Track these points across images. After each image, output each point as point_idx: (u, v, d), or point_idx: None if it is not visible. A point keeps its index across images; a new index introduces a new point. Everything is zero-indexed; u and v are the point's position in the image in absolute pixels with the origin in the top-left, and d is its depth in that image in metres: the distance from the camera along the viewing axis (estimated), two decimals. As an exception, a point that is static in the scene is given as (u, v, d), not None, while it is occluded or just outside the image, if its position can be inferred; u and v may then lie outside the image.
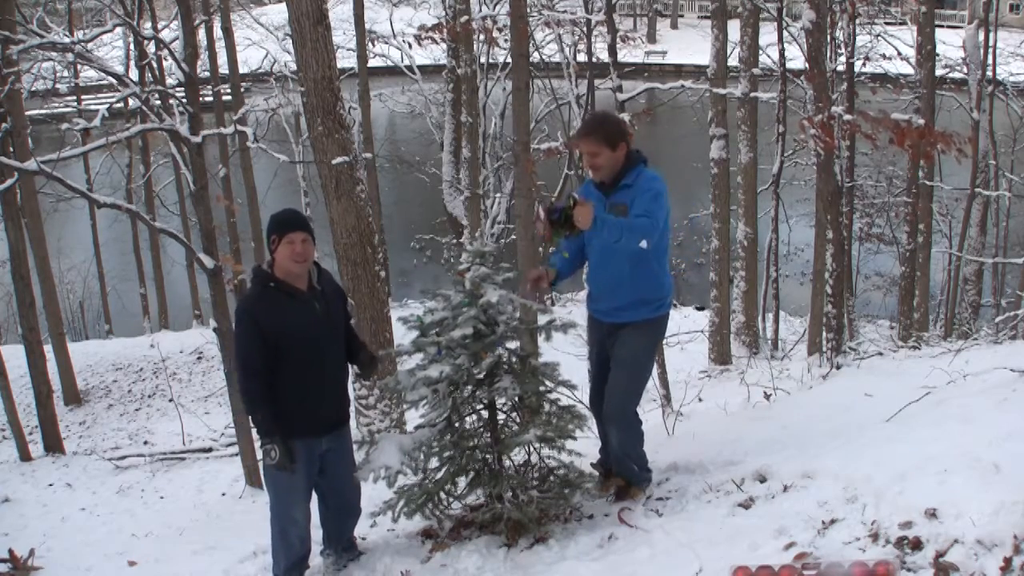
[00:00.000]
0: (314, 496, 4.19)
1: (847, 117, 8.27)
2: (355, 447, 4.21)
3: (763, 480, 3.89)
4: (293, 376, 3.87)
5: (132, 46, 18.15)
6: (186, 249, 10.34)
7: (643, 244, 3.84)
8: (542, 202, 3.92)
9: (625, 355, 4.09)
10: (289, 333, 3.81)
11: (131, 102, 13.29)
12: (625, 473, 4.30)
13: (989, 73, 15.57)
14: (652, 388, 9.56)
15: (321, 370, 3.94)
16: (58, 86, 17.50)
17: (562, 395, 4.09)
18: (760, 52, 13.46)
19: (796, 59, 12.23)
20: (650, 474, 4.34)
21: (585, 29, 15.57)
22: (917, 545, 2.87)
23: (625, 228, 3.77)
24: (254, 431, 4.12)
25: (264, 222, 18.17)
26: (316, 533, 4.28)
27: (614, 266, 4.03)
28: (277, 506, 4.08)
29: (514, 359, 4.00)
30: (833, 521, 3.21)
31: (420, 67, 20.76)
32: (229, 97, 16.06)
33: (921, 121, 6.90)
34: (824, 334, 10.26)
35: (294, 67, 11.83)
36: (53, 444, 10.66)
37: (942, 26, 19.11)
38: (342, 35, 17.56)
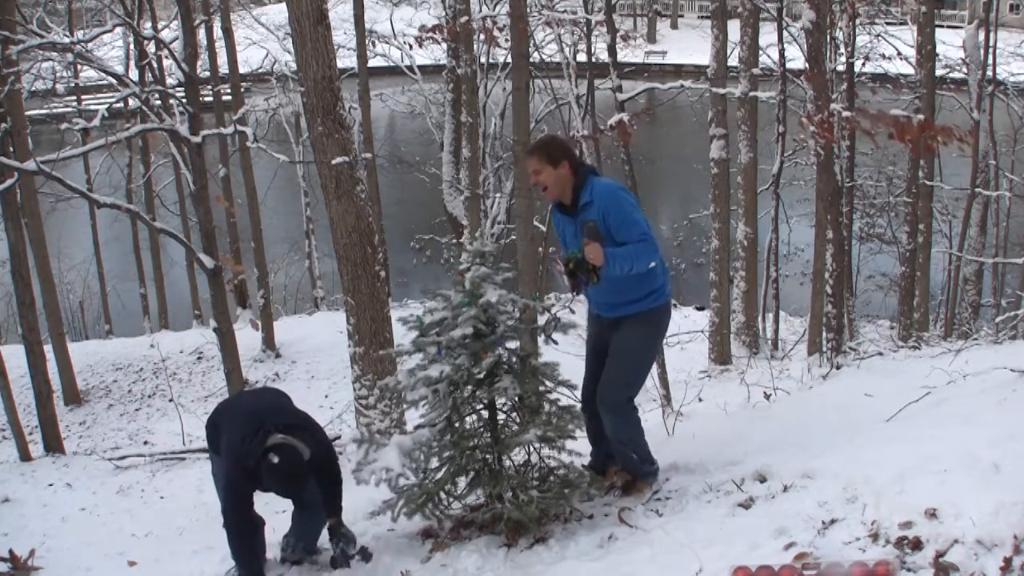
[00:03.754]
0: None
1: (846, 114, 8.28)
2: (355, 446, 4.25)
3: (763, 480, 3.89)
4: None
5: (132, 46, 18.14)
6: (186, 249, 10.35)
7: (652, 264, 3.99)
8: (553, 261, 4.03)
9: (621, 344, 4.12)
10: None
11: (131, 102, 13.29)
12: (626, 464, 4.29)
13: (989, 73, 15.57)
14: (652, 388, 9.58)
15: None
16: (58, 86, 17.49)
17: (562, 395, 4.09)
18: (760, 52, 13.46)
19: (796, 59, 12.25)
20: (655, 467, 4.33)
21: (585, 29, 15.57)
22: (917, 545, 2.88)
23: (632, 256, 3.92)
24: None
25: (264, 222, 18.02)
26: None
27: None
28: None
29: (514, 359, 4.00)
30: (833, 521, 3.21)
31: (420, 67, 20.74)
32: (229, 97, 16.05)
33: (921, 117, 6.91)
34: (824, 334, 10.27)
35: (294, 67, 11.84)
36: (53, 444, 10.65)
37: (942, 26, 19.11)
38: (342, 35, 17.54)
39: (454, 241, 18.25)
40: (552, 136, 4.72)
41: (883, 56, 16.31)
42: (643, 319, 4.13)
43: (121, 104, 14.20)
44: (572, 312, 4.06)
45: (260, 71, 20.46)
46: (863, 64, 15.91)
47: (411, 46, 15.83)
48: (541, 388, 4.00)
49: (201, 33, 14.80)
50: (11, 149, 10.66)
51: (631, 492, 4.26)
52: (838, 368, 6.88)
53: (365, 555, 4.20)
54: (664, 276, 4.18)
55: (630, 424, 4.21)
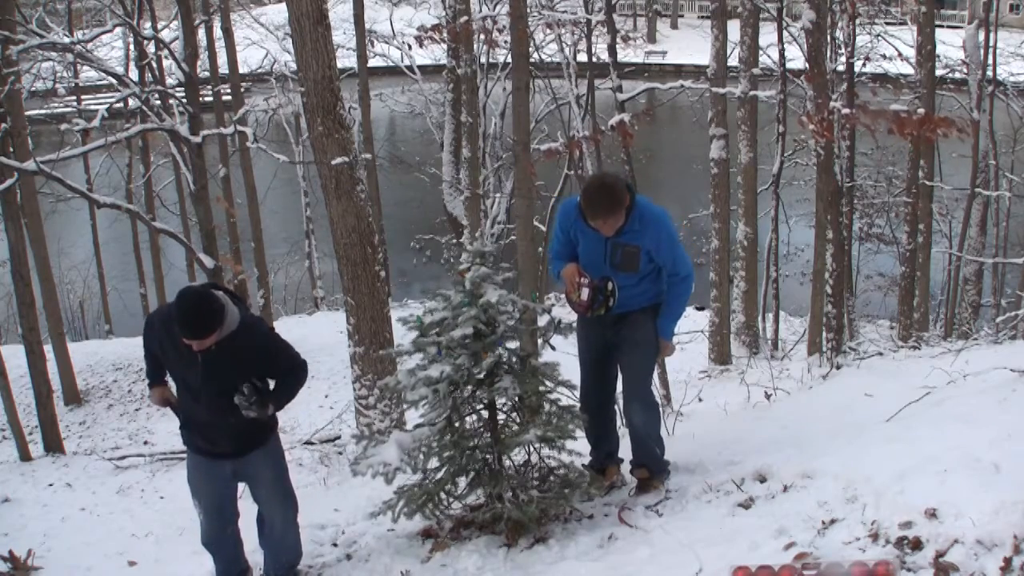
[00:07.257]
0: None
1: (846, 111, 8.27)
2: (353, 441, 4.23)
3: (763, 480, 3.89)
4: (177, 396, 4.07)
5: (132, 46, 18.14)
6: (186, 249, 10.36)
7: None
8: (587, 283, 4.06)
9: (639, 336, 4.17)
10: (168, 366, 3.99)
11: (131, 102, 13.29)
12: (649, 458, 4.31)
13: (989, 73, 15.56)
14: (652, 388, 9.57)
15: (195, 410, 3.93)
16: (58, 86, 17.48)
17: (562, 395, 4.09)
18: (760, 52, 13.45)
19: (796, 59, 12.24)
20: (669, 464, 4.37)
21: (585, 29, 15.57)
22: (917, 545, 2.87)
23: (683, 303, 4.20)
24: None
25: (264, 222, 17.99)
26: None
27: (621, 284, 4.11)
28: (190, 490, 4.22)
29: (514, 359, 4.00)
30: (833, 521, 3.21)
31: (420, 67, 20.74)
32: (229, 97, 16.06)
33: (921, 110, 6.90)
34: (824, 334, 10.28)
35: (294, 67, 11.83)
36: (53, 444, 10.65)
37: (942, 26, 19.07)
38: (342, 35, 17.54)
39: (454, 241, 18.25)
40: (610, 185, 3.96)
41: (883, 56, 16.29)
42: (647, 312, 4.20)
43: (121, 104, 14.19)
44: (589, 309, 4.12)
45: (260, 71, 20.49)
46: (863, 64, 15.88)
47: (411, 46, 15.84)
48: (541, 388, 4.00)
49: (201, 33, 14.80)
50: (11, 149, 10.66)
51: (648, 489, 4.26)
52: (838, 368, 6.88)
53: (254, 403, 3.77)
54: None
55: (657, 415, 4.33)
